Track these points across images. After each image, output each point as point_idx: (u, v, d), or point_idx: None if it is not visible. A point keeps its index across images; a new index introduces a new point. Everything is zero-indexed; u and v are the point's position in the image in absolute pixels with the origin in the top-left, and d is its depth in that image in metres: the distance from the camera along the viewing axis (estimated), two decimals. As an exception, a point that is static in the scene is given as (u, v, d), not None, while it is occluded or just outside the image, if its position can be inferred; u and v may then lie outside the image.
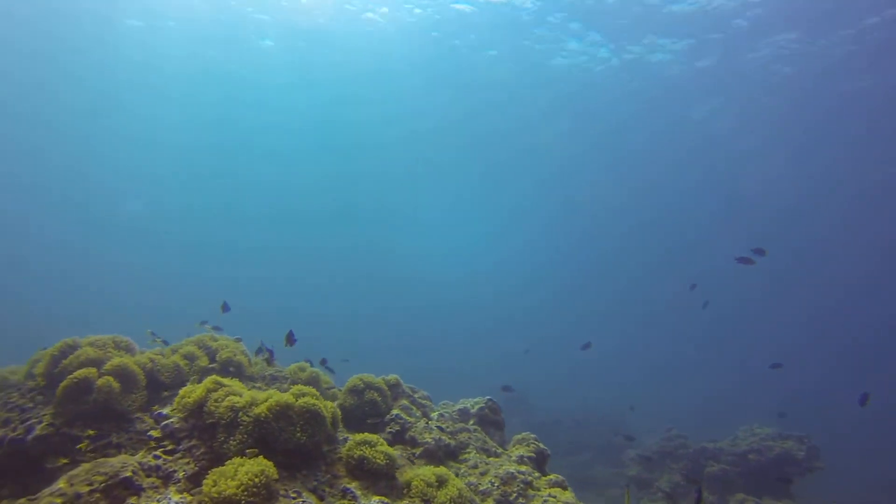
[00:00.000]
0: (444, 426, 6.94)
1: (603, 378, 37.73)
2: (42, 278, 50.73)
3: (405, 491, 4.67)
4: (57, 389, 5.29)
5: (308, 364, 7.34)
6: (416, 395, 7.98)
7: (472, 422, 8.32)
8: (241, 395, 4.74)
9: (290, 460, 4.51)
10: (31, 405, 5.40)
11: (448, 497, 4.59)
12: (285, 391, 6.73)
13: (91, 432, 4.91)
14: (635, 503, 15.28)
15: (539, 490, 6.02)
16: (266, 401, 4.60)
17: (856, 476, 18.49)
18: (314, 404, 4.73)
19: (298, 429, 4.55)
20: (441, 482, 4.78)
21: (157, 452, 4.52)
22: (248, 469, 3.89)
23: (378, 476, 4.64)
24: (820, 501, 12.27)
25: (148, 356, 6.24)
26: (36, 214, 51.35)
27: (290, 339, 7.30)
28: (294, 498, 4.07)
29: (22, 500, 4.04)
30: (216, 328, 10.77)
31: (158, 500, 3.83)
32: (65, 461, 4.90)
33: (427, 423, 6.68)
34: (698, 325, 49.14)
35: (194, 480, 4.27)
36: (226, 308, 9.65)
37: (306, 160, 45.63)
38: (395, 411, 6.78)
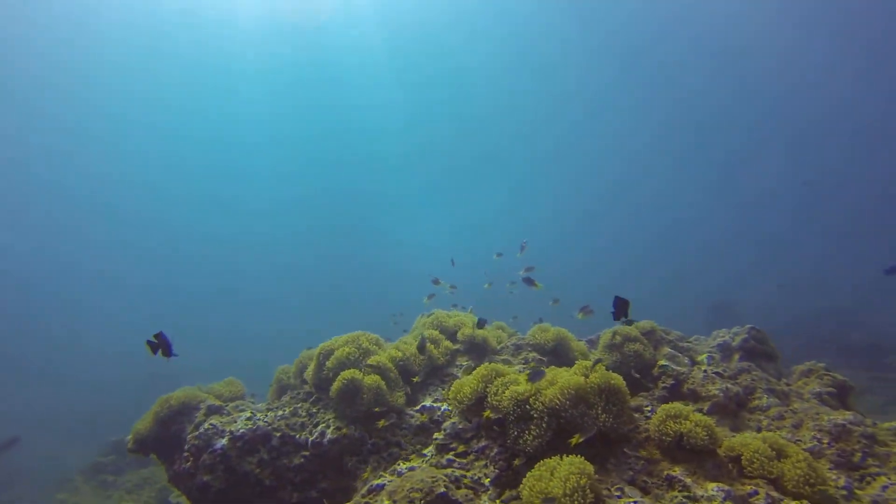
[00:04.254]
0: (720, 370, 5.98)
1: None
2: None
3: (734, 467, 3.89)
4: (331, 392, 5.44)
5: (548, 324, 6.82)
6: (669, 337, 7.09)
7: (735, 357, 7.22)
8: (518, 382, 4.29)
9: (592, 449, 3.99)
10: (315, 409, 5.66)
11: (797, 472, 3.71)
12: (541, 363, 6.33)
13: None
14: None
15: (888, 444, 4.79)
16: (553, 384, 4.09)
17: None
18: (609, 380, 4.11)
19: (600, 410, 3.98)
20: (779, 453, 3.91)
21: (450, 456, 4.31)
22: (564, 470, 3.41)
23: (701, 454, 3.91)
24: None
25: (394, 347, 6.21)
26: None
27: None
28: (619, 496, 3.53)
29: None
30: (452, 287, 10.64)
31: (481, 513, 3.55)
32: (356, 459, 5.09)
33: (704, 370, 5.77)
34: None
35: (500, 484, 3.96)
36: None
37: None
38: (661, 362, 5.98)
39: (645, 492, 3.69)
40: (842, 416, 4.94)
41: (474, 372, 4.59)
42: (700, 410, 5.38)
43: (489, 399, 4.31)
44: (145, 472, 13.55)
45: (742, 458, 3.89)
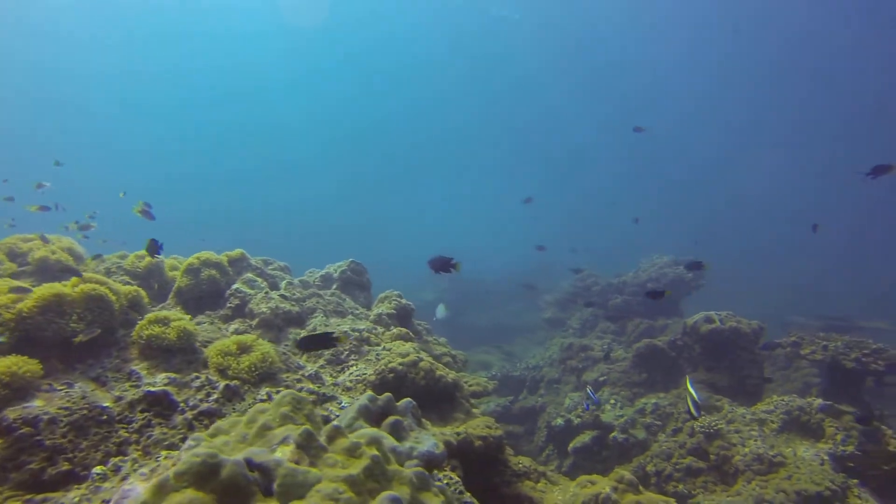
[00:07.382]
0: (288, 294, 6.91)
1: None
2: None
3: (205, 364, 4.68)
4: None
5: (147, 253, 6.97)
6: (268, 268, 7.88)
7: (335, 286, 8.39)
8: (5, 294, 4.41)
9: (71, 352, 4.36)
10: None
11: (248, 363, 4.63)
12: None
13: None
14: (549, 341, 16.59)
15: (377, 345, 6.22)
16: (33, 296, 4.31)
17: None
18: (95, 290, 4.49)
19: (75, 318, 4.34)
20: (244, 350, 4.80)
21: (-81, 362, 4.26)
22: (-4, 368, 3.71)
23: (172, 352, 4.59)
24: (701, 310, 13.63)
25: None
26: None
27: (154, 247, 6.16)
28: (61, 389, 3.97)
29: None
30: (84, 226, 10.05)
31: None
32: None
33: (268, 293, 6.62)
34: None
35: (-42, 385, 4.09)
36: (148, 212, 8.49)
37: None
38: (236, 285, 6.66)
39: (101, 384, 4.21)
40: (349, 326, 6.26)
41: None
42: (251, 325, 6.23)
43: (-32, 309, 4.35)
44: None
45: (210, 355, 4.69)
